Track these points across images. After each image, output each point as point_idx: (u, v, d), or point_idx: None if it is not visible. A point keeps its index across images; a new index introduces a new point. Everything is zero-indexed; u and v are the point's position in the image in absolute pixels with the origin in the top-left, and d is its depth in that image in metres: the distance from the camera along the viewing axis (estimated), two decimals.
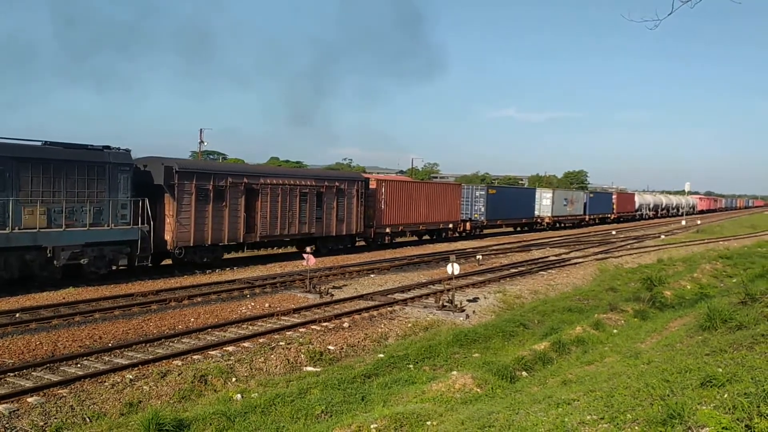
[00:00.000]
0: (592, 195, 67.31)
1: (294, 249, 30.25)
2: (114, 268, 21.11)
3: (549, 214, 54.18)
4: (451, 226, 40.23)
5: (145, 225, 21.05)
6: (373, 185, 32.67)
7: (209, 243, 23.54)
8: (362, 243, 33.96)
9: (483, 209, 43.86)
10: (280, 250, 30.36)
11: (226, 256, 26.10)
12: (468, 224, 42.65)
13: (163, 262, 23.84)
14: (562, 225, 58.42)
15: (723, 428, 5.09)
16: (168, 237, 22.20)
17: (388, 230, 33.93)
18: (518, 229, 52.79)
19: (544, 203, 53.93)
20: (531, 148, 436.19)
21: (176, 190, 22.16)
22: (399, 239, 36.97)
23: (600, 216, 67.48)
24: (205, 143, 61.27)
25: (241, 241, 25.03)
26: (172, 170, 22.12)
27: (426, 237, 40.01)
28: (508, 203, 47.66)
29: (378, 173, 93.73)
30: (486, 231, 46.69)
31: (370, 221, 32.25)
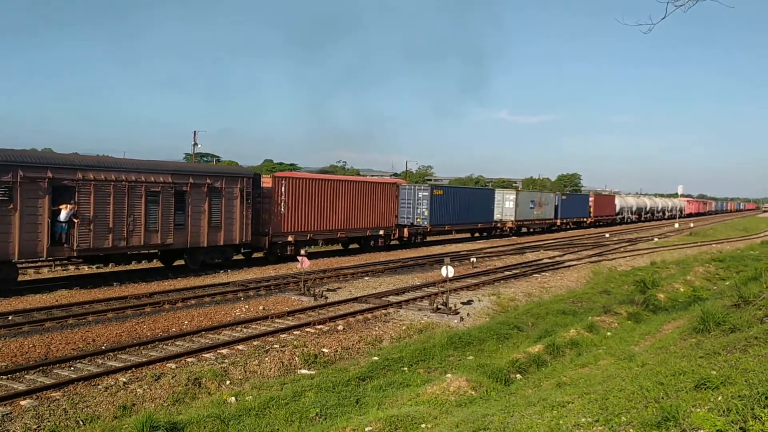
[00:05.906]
0: (564, 197, 60.98)
1: (159, 263, 25.19)
2: None
3: (512, 218, 48.67)
4: (382, 233, 33.87)
5: None
6: (267, 183, 27.09)
7: None
8: (260, 255, 28.12)
9: (427, 213, 38.09)
10: (124, 267, 24.08)
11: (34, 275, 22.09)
12: (406, 230, 36.31)
13: None
14: (529, 230, 53.38)
15: (717, 431, 5.11)
16: None
17: (290, 239, 27.71)
18: (475, 235, 47.47)
19: (507, 206, 48.48)
20: (526, 151, 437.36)
21: None
22: (310, 249, 30.77)
23: (574, 220, 61.95)
24: (199, 145, 61.22)
25: (45, 256, 19.20)
26: None
27: (355, 246, 34.04)
28: (460, 206, 41.88)
29: (372, 176, 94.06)
30: (430, 239, 41.04)
31: (265, 228, 26.47)
